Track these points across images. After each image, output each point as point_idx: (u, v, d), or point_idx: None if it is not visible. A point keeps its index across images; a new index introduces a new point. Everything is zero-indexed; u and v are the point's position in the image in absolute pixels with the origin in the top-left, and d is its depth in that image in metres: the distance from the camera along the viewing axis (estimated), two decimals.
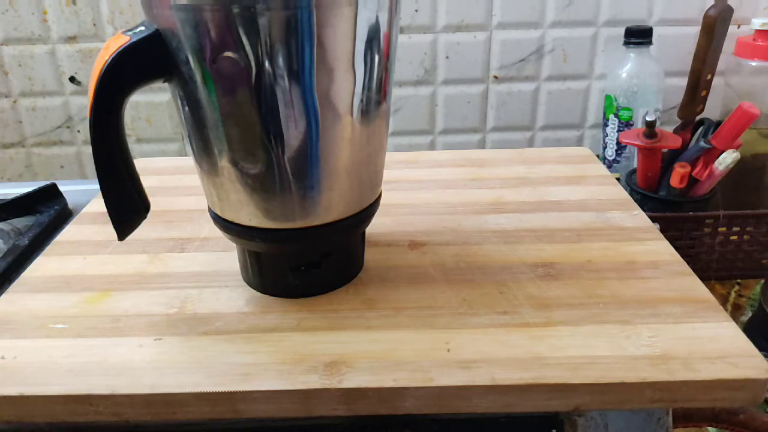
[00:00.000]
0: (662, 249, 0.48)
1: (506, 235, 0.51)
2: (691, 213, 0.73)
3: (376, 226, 0.51)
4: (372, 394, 0.35)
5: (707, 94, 0.76)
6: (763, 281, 0.71)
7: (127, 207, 0.40)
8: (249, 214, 0.40)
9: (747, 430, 0.54)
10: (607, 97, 0.86)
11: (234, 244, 0.45)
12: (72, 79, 0.89)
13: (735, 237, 0.74)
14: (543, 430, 0.40)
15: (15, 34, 0.86)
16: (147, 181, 0.41)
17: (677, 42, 0.88)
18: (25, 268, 0.49)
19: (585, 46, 0.89)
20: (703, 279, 0.44)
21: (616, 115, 0.85)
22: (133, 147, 0.94)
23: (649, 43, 0.83)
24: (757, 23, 0.79)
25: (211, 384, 0.35)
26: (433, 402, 0.35)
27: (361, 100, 0.38)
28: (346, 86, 0.37)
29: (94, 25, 0.86)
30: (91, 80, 0.36)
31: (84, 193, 0.67)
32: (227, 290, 0.45)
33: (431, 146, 0.96)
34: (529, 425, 0.40)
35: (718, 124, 0.74)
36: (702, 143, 0.72)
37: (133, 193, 0.40)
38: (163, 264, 0.49)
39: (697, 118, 0.77)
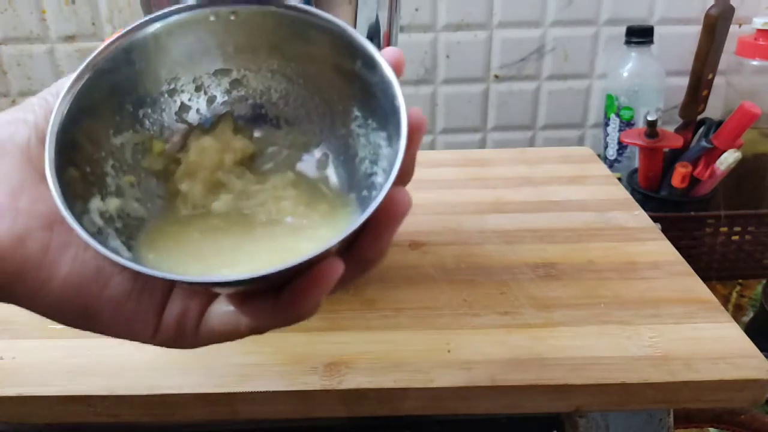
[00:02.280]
0: (663, 249, 0.48)
1: (507, 236, 0.51)
2: (692, 213, 0.73)
3: None
4: (372, 395, 0.35)
5: (708, 94, 0.76)
6: (764, 281, 0.71)
7: None
8: None
9: (748, 430, 0.54)
10: (609, 97, 0.86)
11: None
12: None
13: (736, 237, 0.73)
14: (544, 431, 0.40)
15: (14, 33, 0.86)
16: None
17: (678, 41, 0.88)
18: None
19: (586, 45, 0.89)
20: (704, 279, 0.44)
21: (618, 115, 0.85)
22: None
23: (651, 42, 0.83)
24: (759, 22, 0.79)
25: (211, 385, 0.35)
26: (434, 403, 0.35)
27: None
28: None
29: (93, 24, 0.86)
30: None
31: None
32: None
33: (431, 146, 0.95)
34: (530, 426, 0.39)
35: (719, 123, 0.73)
36: (703, 143, 0.72)
37: None
38: None
39: (699, 117, 0.77)
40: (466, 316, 0.40)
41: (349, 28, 0.23)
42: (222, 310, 0.23)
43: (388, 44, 0.39)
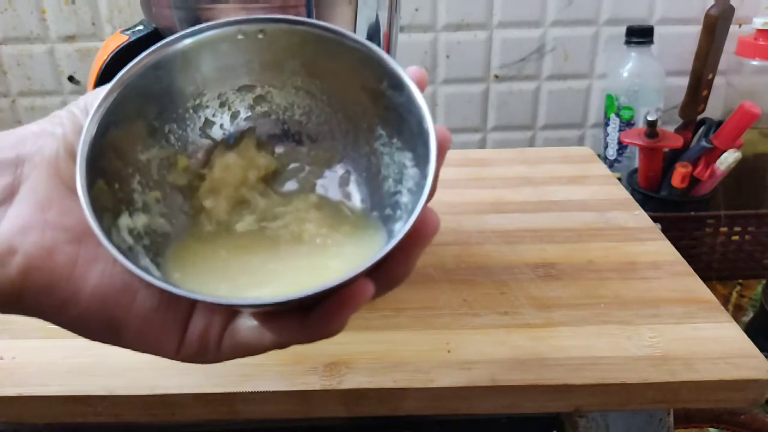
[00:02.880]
0: (663, 249, 0.48)
1: (507, 236, 0.50)
2: (692, 213, 0.73)
3: None
4: (372, 395, 0.35)
5: (708, 94, 0.76)
6: (764, 281, 0.71)
7: None
8: None
9: (748, 430, 0.54)
10: (609, 97, 0.86)
11: None
12: (71, 79, 0.89)
13: (736, 237, 0.73)
14: (544, 431, 0.40)
15: (14, 33, 0.86)
16: None
17: (678, 41, 0.88)
18: None
19: (586, 45, 0.89)
20: (704, 279, 0.44)
21: (618, 115, 0.85)
22: None
23: (651, 42, 0.83)
24: (759, 22, 0.79)
25: (210, 385, 0.35)
26: (434, 403, 0.35)
27: None
28: None
29: (93, 24, 0.86)
30: (89, 80, 0.36)
31: None
32: None
33: None
34: (530, 426, 0.39)
35: (719, 123, 0.73)
36: (703, 143, 0.72)
37: None
38: None
39: (699, 117, 0.77)
40: (466, 316, 0.40)
41: (376, 48, 0.23)
42: (245, 325, 0.23)
43: (388, 44, 0.39)
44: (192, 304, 0.23)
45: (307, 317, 0.21)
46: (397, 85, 0.23)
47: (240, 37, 0.24)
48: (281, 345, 0.23)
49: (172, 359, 0.24)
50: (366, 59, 0.23)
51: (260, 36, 0.24)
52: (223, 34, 0.24)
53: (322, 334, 0.21)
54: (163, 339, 0.23)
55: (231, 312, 0.23)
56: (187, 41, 0.24)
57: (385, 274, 0.21)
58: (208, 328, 0.23)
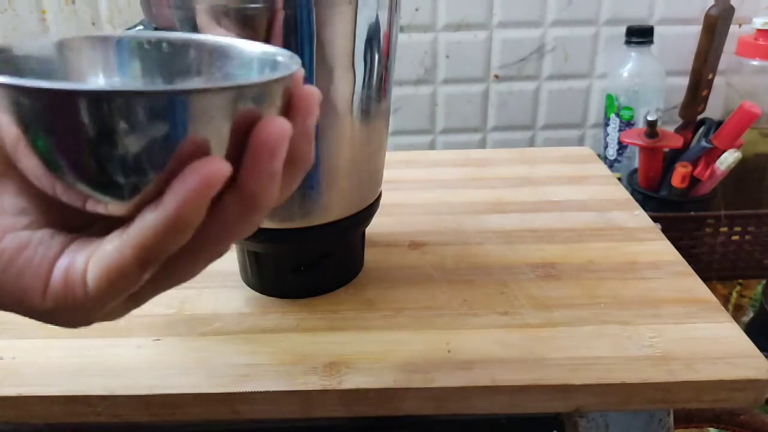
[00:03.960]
0: (663, 249, 0.48)
1: (507, 236, 0.51)
2: (692, 213, 0.73)
3: (376, 226, 0.51)
4: (372, 395, 0.35)
5: (708, 94, 0.76)
6: (764, 281, 0.71)
7: None
8: None
9: (748, 430, 0.54)
10: (609, 97, 0.86)
11: (233, 244, 0.45)
12: None
13: (736, 237, 0.74)
14: (544, 431, 0.40)
15: (14, 33, 0.86)
16: None
17: (678, 41, 0.88)
18: None
19: (586, 45, 0.89)
20: (704, 279, 0.44)
21: (618, 115, 0.85)
22: None
23: (651, 42, 0.83)
24: (759, 22, 0.79)
25: (210, 385, 0.35)
26: (433, 403, 0.35)
27: (361, 100, 0.38)
28: (345, 85, 0.37)
29: (93, 24, 0.86)
30: None
31: None
32: (226, 291, 0.44)
33: (431, 146, 0.95)
34: (530, 426, 0.39)
35: (719, 123, 0.73)
36: (703, 143, 0.72)
37: None
38: None
39: (699, 117, 0.77)
40: (466, 316, 0.40)
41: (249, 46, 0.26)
42: (105, 248, 0.22)
43: (388, 44, 0.39)
44: (62, 248, 0.23)
45: (162, 199, 0.20)
46: (275, 67, 0.25)
47: (146, 46, 0.27)
48: (144, 254, 0.21)
49: (39, 309, 0.23)
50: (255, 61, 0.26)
51: (164, 45, 0.27)
52: (133, 38, 0.27)
53: (179, 223, 0.20)
54: (28, 283, 0.22)
55: (93, 242, 0.23)
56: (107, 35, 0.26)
57: (239, 187, 0.21)
58: (72, 263, 0.22)
